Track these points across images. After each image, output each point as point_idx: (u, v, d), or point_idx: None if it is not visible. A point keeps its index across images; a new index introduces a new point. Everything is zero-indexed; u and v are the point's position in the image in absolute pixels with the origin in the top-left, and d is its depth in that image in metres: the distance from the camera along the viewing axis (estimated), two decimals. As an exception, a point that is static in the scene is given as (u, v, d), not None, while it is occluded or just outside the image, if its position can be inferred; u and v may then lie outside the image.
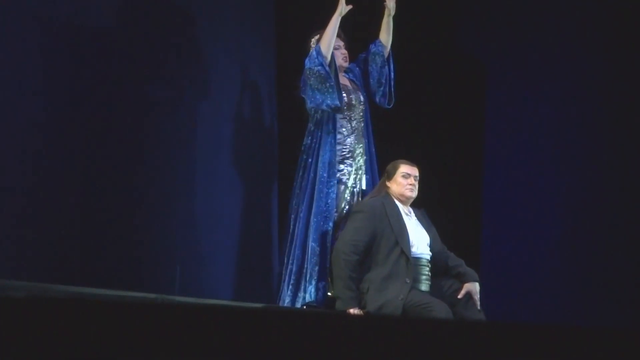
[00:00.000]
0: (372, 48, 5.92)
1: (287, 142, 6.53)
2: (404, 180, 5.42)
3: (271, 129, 6.51)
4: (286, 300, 5.51)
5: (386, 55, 5.90)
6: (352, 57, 5.95)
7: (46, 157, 4.72)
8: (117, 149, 5.17)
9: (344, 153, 5.67)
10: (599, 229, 6.51)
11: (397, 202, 5.40)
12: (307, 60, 5.63)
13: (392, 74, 5.92)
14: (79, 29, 4.98)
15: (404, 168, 5.46)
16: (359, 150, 5.72)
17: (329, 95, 5.57)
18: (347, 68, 5.92)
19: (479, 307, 5.24)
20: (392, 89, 5.92)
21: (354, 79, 5.91)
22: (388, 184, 5.46)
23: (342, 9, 5.62)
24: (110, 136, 5.12)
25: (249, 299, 5.85)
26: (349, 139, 5.70)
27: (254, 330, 2.42)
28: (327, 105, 5.58)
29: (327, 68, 5.58)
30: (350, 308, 5.10)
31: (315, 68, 5.57)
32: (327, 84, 5.57)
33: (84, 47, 5.00)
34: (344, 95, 5.71)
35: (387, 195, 5.42)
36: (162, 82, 5.55)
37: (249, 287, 6.16)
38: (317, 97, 5.59)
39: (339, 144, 5.66)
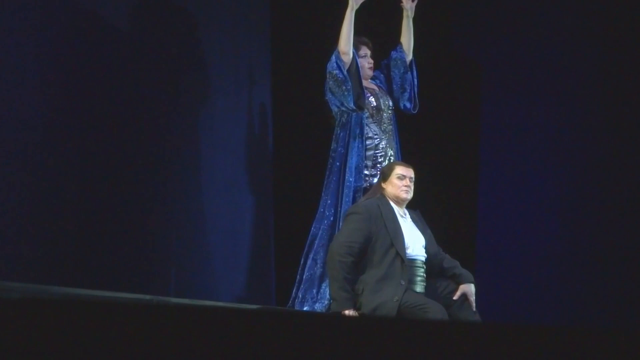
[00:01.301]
0: (394, 54, 5.95)
1: (282, 144, 6.54)
2: (399, 182, 5.41)
3: (267, 130, 6.52)
4: (309, 302, 5.52)
5: (408, 60, 5.93)
6: (376, 64, 5.96)
7: (42, 158, 4.72)
8: (113, 151, 5.17)
9: (377, 156, 5.69)
10: (594, 229, 6.52)
11: (392, 203, 5.39)
12: (328, 64, 5.65)
13: (416, 80, 5.94)
14: (75, 30, 4.97)
15: (399, 169, 5.45)
16: (391, 153, 5.75)
17: (344, 98, 5.60)
18: (373, 75, 5.93)
19: (474, 309, 5.24)
20: (417, 95, 5.94)
21: (381, 85, 5.93)
22: (383, 185, 5.45)
23: (354, 2, 5.61)
24: (106, 137, 5.12)
25: (245, 301, 5.85)
26: (381, 144, 5.73)
27: (249, 332, 2.42)
28: (346, 107, 5.62)
29: (345, 72, 5.60)
30: (345, 309, 5.09)
31: (334, 72, 5.61)
32: (344, 87, 5.59)
33: (80, 48, 5.00)
34: (372, 99, 5.75)
35: (383, 196, 5.41)
36: (158, 83, 5.56)
37: (244, 289, 6.16)
38: (336, 100, 5.64)
39: (370, 149, 5.69)
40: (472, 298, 5.25)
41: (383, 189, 5.45)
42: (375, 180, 5.68)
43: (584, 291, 6.44)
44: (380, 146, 5.74)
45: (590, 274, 6.46)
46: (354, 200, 5.60)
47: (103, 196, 5.08)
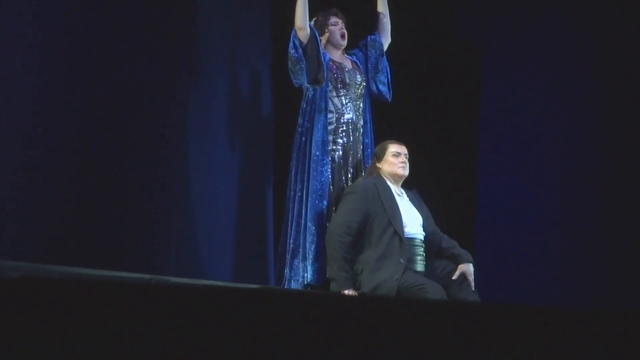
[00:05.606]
0: (370, 37, 5.93)
1: (282, 124, 6.53)
2: (395, 159, 5.43)
3: (267, 111, 6.51)
4: (290, 280, 5.52)
5: (386, 46, 5.91)
6: (353, 46, 5.96)
7: (42, 136, 4.72)
8: (113, 130, 5.16)
9: (339, 131, 5.65)
10: (593, 210, 6.52)
11: (389, 182, 5.40)
12: (288, 47, 5.67)
13: (390, 75, 5.92)
14: (72, 13, 4.96)
15: (394, 147, 5.47)
16: (360, 130, 5.72)
17: (299, 76, 5.60)
18: (351, 52, 5.92)
19: (473, 289, 5.25)
20: (390, 84, 5.92)
21: (357, 62, 5.90)
22: (379, 165, 5.46)
23: None
24: (105, 118, 5.12)
25: (245, 280, 5.87)
26: (343, 118, 5.68)
27: (249, 311, 2.43)
28: (305, 84, 5.62)
29: (300, 50, 5.59)
30: (345, 289, 5.10)
31: (291, 51, 5.61)
32: (298, 67, 5.59)
33: (76, 30, 4.98)
34: (338, 73, 5.71)
35: (379, 176, 5.43)
36: (157, 65, 5.54)
37: (244, 268, 6.17)
38: (294, 80, 5.64)
39: (331, 123, 5.66)
40: (471, 278, 5.26)
41: (379, 168, 5.46)
42: (339, 153, 5.65)
43: (583, 271, 6.44)
44: (342, 120, 5.69)
45: (590, 254, 6.46)
46: (321, 174, 5.56)
47: (103, 175, 5.07)
